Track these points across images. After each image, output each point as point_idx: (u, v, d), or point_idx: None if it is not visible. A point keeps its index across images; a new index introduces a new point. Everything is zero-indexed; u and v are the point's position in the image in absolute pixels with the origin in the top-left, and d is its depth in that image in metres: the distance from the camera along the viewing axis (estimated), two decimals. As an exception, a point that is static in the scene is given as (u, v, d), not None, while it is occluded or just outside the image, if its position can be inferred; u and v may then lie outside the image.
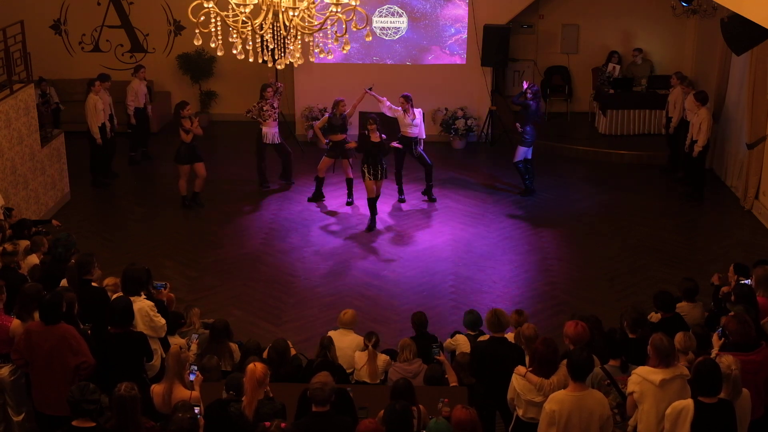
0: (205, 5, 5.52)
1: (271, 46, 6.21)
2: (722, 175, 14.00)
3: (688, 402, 5.72)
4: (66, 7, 16.67)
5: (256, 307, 10.24)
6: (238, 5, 5.76)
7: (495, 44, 15.31)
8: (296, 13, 5.79)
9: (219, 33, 5.70)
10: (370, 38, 6.08)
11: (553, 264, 11.35)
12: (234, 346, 7.62)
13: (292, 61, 6.24)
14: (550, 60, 16.99)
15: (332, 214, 12.89)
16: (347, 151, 12.83)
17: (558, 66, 16.97)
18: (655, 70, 16.35)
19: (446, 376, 7.16)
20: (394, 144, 12.69)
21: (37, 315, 6.92)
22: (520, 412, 6.50)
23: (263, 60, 6.29)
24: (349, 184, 13.07)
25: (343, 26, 5.84)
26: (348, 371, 7.53)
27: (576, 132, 16.20)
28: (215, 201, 13.11)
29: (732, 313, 6.74)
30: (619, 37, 16.64)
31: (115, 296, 7.45)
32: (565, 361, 6.20)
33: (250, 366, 6.17)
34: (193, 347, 7.72)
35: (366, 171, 11.99)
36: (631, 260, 11.40)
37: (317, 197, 13.14)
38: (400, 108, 12.87)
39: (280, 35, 6.08)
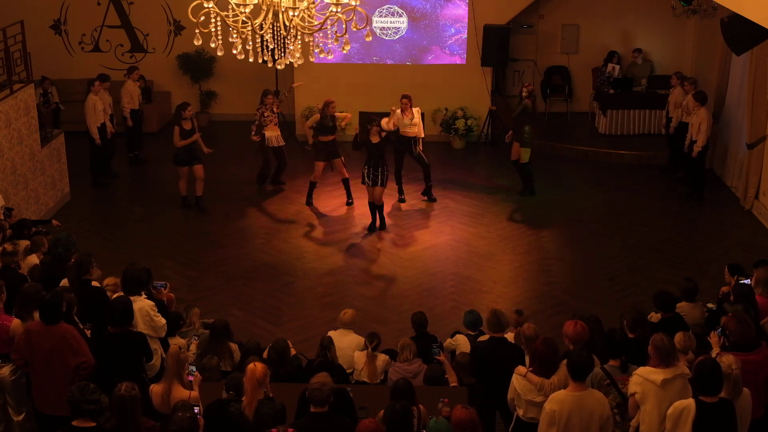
0: (205, 5, 5.52)
1: (271, 46, 6.21)
2: (722, 175, 14.00)
3: (690, 402, 5.72)
4: (66, 7, 16.67)
5: (256, 307, 10.24)
6: (238, 5, 5.76)
7: (495, 44, 15.31)
8: (296, 13, 5.79)
9: (219, 33, 5.70)
10: (370, 38, 6.08)
11: (553, 264, 11.35)
12: (234, 346, 7.62)
13: (292, 61, 6.24)
14: (550, 60, 16.99)
15: (332, 214, 12.89)
16: (338, 150, 12.81)
17: (558, 66, 16.97)
18: (655, 70, 16.36)
19: (446, 376, 7.16)
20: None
21: (36, 315, 6.92)
22: (520, 412, 6.50)
23: (263, 60, 6.29)
24: (346, 184, 13.06)
25: (343, 26, 5.84)
26: (348, 371, 7.53)
27: (576, 132, 16.19)
28: (215, 201, 13.10)
29: (731, 313, 6.74)
30: (619, 37, 16.65)
31: (115, 296, 7.46)
32: (565, 361, 6.20)
33: (250, 366, 6.17)
34: (193, 347, 7.72)
35: (366, 175, 11.90)
36: (631, 260, 11.39)
37: (310, 200, 13.13)
38: (397, 110, 12.85)
39: (280, 35, 6.08)
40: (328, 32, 6.00)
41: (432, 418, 5.94)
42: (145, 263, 8.48)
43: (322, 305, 10.25)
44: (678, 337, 6.67)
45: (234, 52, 5.99)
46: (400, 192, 13.30)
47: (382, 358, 7.53)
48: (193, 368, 6.86)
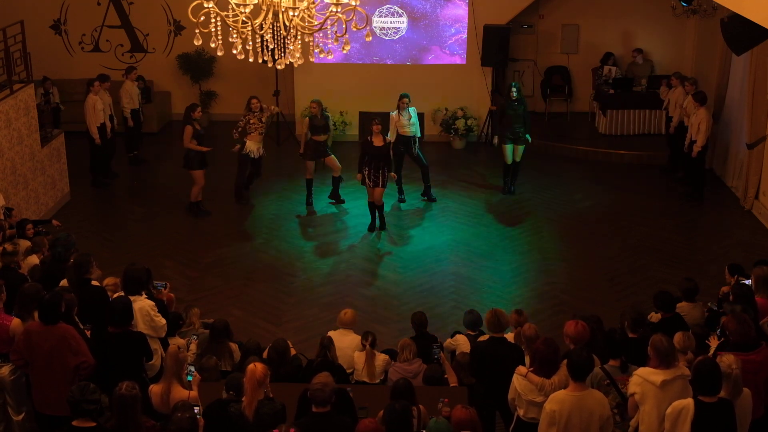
0: (205, 5, 5.52)
1: (271, 46, 6.21)
2: (722, 175, 14.00)
3: (689, 401, 5.72)
4: (66, 7, 16.67)
5: (256, 307, 10.24)
6: (238, 5, 5.75)
7: (495, 44, 15.31)
8: (296, 13, 5.79)
9: (219, 33, 5.69)
10: (370, 38, 6.07)
11: (553, 264, 11.35)
12: (234, 346, 7.62)
13: (292, 61, 6.24)
14: (550, 60, 16.99)
15: (332, 214, 12.89)
16: (326, 150, 12.78)
17: (558, 66, 16.97)
18: (655, 70, 16.36)
19: (446, 376, 7.16)
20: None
21: (36, 315, 6.92)
22: (521, 412, 6.50)
23: (263, 60, 6.29)
24: (336, 182, 13.06)
25: (343, 26, 5.83)
26: (348, 371, 7.53)
27: (576, 132, 16.19)
28: (215, 201, 13.10)
29: (731, 313, 6.74)
30: (619, 37, 16.65)
31: (115, 296, 7.46)
32: (565, 361, 6.20)
33: (250, 366, 6.17)
34: (193, 347, 7.72)
35: (366, 176, 11.88)
36: (631, 260, 11.40)
37: (309, 200, 13.12)
38: (394, 113, 12.87)
39: (280, 35, 6.08)
40: (328, 32, 5.99)
41: (432, 418, 5.94)
42: (145, 263, 8.48)
43: (322, 305, 10.25)
44: (677, 337, 6.68)
45: (234, 52, 5.99)
46: (400, 192, 13.30)
47: (382, 358, 7.53)
48: (192, 368, 6.86)
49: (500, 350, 7.16)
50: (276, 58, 6.28)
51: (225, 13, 5.71)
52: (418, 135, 13.14)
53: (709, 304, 8.00)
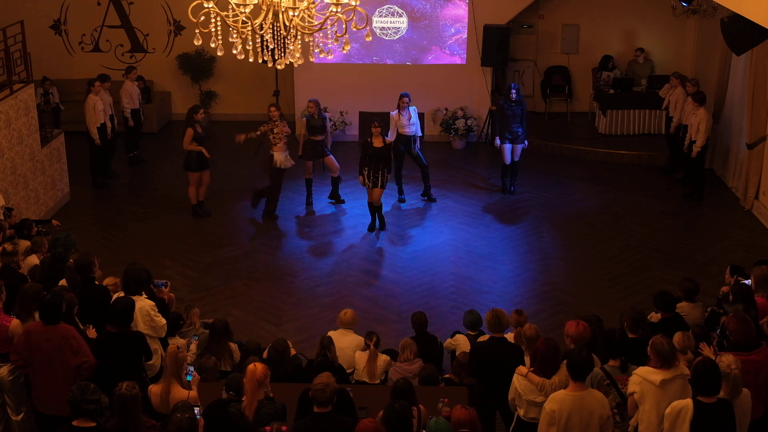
0: (205, 5, 5.52)
1: (271, 46, 6.21)
2: (722, 175, 14.00)
3: (688, 401, 5.72)
4: (66, 7, 16.67)
5: (256, 307, 10.24)
6: (238, 5, 5.75)
7: (495, 44, 15.31)
8: (296, 13, 5.79)
9: (219, 33, 5.69)
10: (370, 38, 6.07)
11: (553, 264, 11.35)
12: (234, 346, 7.62)
13: (292, 61, 6.24)
14: (550, 60, 16.99)
15: (332, 214, 12.89)
16: (325, 150, 12.79)
17: (558, 66, 16.97)
18: (655, 70, 16.36)
19: (445, 376, 7.17)
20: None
21: (37, 315, 6.92)
22: (521, 412, 6.51)
23: (263, 60, 6.29)
24: (335, 182, 13.06)
25: (343, 26, 5.83)
26: (348, 371, 7.53)
27: (576, 132, 16.19)
28: (215, 201, 13.09)
29: (732, 313, 6.74)
30: (619, 37, 16.65)
31: (115, 296, 7.46)
32: (565, 361, 6.20)
33: (251, 366, 6.17)
34: (193, 347, 7.72)
35: (366, 176, 11.83)
36: (631, 260, 11.39)
37: (309, 200, 13.11)
38: (394, 112, 12.89)
39: (280, 35, 6.08)
40: (328, 32, 5.99)
41: (432, 418, 5.94)
42: (145, 263, 8.48)
43: (322, 305, 10.25)
44: (677, 337, 6.68)
45: (234, 52, 5.99)
46: (400, 192, 13.30)
47: (382, 359, 7.53)
48: (191, 368, 6.86)
49: (500, 350, 7.16)
50: (276, 58, 6.28)
51: (225, 13, 5.71)
52: (419, 134, 13.14)
53: (709, 308, 7.97)
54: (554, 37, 16.86)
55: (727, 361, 5.74)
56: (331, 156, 12.92)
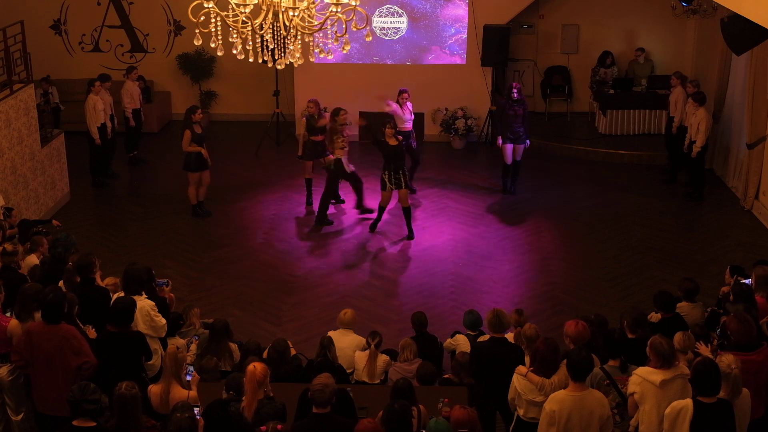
0: (205, 5, 5.52)
1: (271, 46, 6.21)
2: (722, 175, 14.00)
3: (687, 402, 5.72)
4: (66, 7, 16.67)
5: (256, 307, 10.24)
6: (238, 5, 5.76)
7: (495, 44, 15.31)
8: (296, 13, 5.79)
9: (219, 33, 5.70)
10: (370, 38, 6.08)
11: (553, 264, 11.35)
12: (234, 346, 7.62)
13: (292, 61, 6.25)
14: (550, 60, 16.99)
15: (331, 214, 12.88)
16: (324, 151, 12.80)
17: (558, 66, 16.97)
18: (655, 70, 16.36)
19: (445, 376, 7.16)
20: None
21: (36, 315, 6.92)
22: (521, 411, 6.51)
23: (263, 60, 6.29)
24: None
25: (343, 26, 5.84)
26: (348, 371, 7.53)
27: (576, 132, 16.19)
28: (215, 201, 13.09)
29: (733, 313, 6.73)
30: (620, 37, 16.65)
31: (115, 296, 7.46)
32: (565, 361, 6.20)
33: (250, 367, 6.17)
34: (193, 347, 7.72)
35: (387, 180, 11.66)
36: (631, 260, 11.39)
37: (309, 200, 13.11)
38: (395, 106, 12.97)
39: (280, 35, 6.08)
40: (328, 32, 6.00)
41: (432, 418, 5.94)
42: (145, 263, 8.48)
43: (322, 305, 10.25)
44: (677, 336, 6.67)
45: (234, 52, 5.99)
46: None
47: (382, 359, 7.53)
48: (191, 368, 6.86)
49: (500, 350, 7.16)
50: (276, 58, 6.28)
51: (225, 13, 5.71)
52: (410, 129, 13.26)
53: (709, 308, 7.96)
54: (554, 37, 16.86)
55: (727, 361, 5.74)
56: (331, 156, 12.92)
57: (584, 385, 6.00)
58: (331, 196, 12.63)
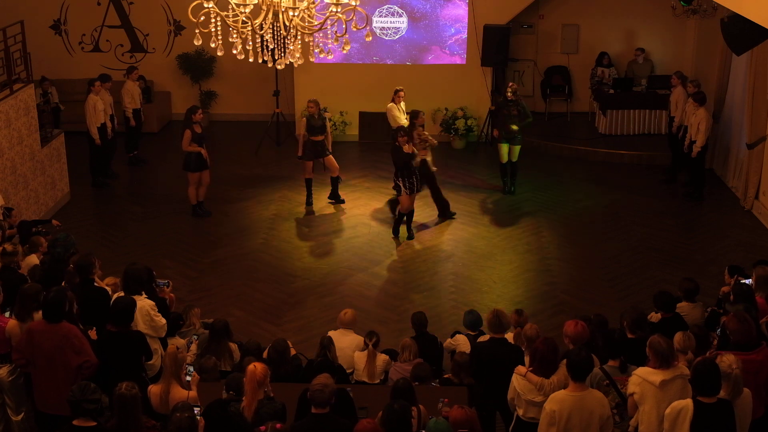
0: (205, 5, 5.52)
1: (271, 46, 6.22)
2: (722, 175, 14.00)
3: (688, 402, 5.72)
4: (66, 7, 16.67)
5: (256, 307, 10.24)
6: (238, 5, 5.76)
7: (495, 44, 15.31)
8: (296, 13, 5.79)
9: (219, 33, 5.70)
10: (370, 38, 6.08)
11: (553, 264, 11.35)
12: (234, 346, 7.62)
13: (292, 61, 6.25)
14: (550, 60, 16.99)
15: (332, 214, 12.89)
16: (325, 150, 12.79)
17: (558, 66, 16.97)
18: (655, 70, 16.36)
19: (446, 376, 7.15)
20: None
21: (36, 315, 6.92)
22: (520, 411, 6.51)
23: (263, 60, 6.30)
24: (335, 182, 13.06)
25: (343, 26, 5.84)
26: (348, 371, 7.53)
27: (576, 132, 16.19)
28: (215, 201, 13.09)
29: (732, 313, 6.74)
30: (620, 37, 16.65)
31: (116, 296, 7.46)
32: (565, 361, 6.20)
33: (250, 367, 6.17)
34: (193, 348, 7.72)
35: (402, 185, 11.62)
36: (632, 260, 11.39)
37: (309, 200, 13.11)
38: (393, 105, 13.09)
39: (280, 35, 6.08)
40: (328, 32, 6.00)
41: (432, 418, 5.94)
42: (145, 263, 8.48)
43: (322, 305, 10.25)
44: (677, 336, 6.67)
45: (234, 52, 6.00)
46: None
47: (382, 358, 7.53)
48: (191, 368, 6.86)
49: (500, 351, 7.16)
50: (276, 58, 6.28)
51: (225, 13, 5.71)
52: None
53: (709, 308, 7.96)
54: (554, 37, 16.86)
55: (728, 361, 5.73)
56: (331, 156, 12.93)
57: (584, 385, 6.00)
58: (438, 190, 12.62)
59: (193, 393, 6.44)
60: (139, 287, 7.49)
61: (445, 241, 11.98)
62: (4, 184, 11.13)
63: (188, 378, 6.79)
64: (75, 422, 5.45)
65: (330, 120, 13.81)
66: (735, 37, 10.58)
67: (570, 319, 7.00)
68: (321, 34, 6.17)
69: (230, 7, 5.78)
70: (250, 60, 6.11)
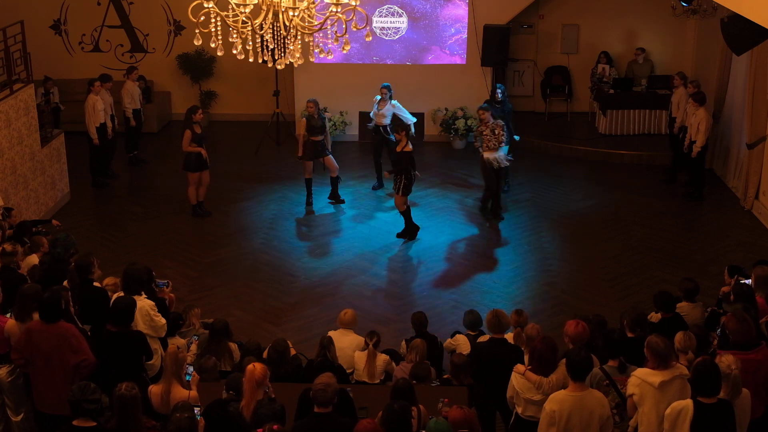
0: (205, 5, 5.52)
1: (271, 46, 6.21)
2: (722, 175, 14.00)
3: (688, 402, 5.72)
4: (66, 7, 16.67)
5: (257, 307, 10.24)
6: (238, 5, 5.76)
7: (495, 44, 15.30)
8: (296, 13, 5.79)
9: (219, 33, 5.70)
10: (370, 38, 6.08)
11: (553, 264, 11.35)
12: (234, 346, 7.62)
13: (292, 61, 6.25)
14: (550, 60, 16.99)
15: (331, 214, 12.89)
16: (324, 150, 12.79)
17: (558, 66, 16.97)
18: (655, 70, 16.36)
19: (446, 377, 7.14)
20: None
21: (35, 315, 6.92)
22: (519, 409, 6.52)
23: (263, 60, 6.30)
24: (334, 183, 13.07)
25: (343, 26, 5.84)
26: (348, 371, 7.53)
27: (576, 132, 16.19)
28: (215, 201, 13.09)
29: (731, 312, 6.74)
30: (620, 37, 16.66)
31: (115, 296, 7.46)
32: (564, 361, 6.20)
33: (249, 367, 6.16)
34: (193, 348, 7.72)
35: (399, 185, 11.57)
36: (632, 260, 11.39)
37: (309, 200, 13.11)
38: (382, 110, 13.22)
39: (280, 35, 6.08)
40: (328, 32, 6.00)
41: (432, 418, 5.94)
42: (145, 263, 8.48)
43: (322, 305, 10.25)
44: (678, 336, 6.67)
45: (234, 52, 5.99)
46: (380, 180, 13.60)
47: (382, 358, 7.53)
48: (191, 368, 6.86)
49: (500, 351, 7.16)
50: (276, 58, 6.28)
51: (225, 13, 5.71)
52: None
53: (709, 308, 7.96)
54: (554, 37, 16.87)
55: (727, 361, 5.74)
56: (331, 156, 12.93)
57: (584, 385, 6.00)
58: (491, 190, 12.61)
59: (193, 393, 6.44)
60: (139, 287, 7.49)
61: (445, 241, 11.97)
62: (4, 184, 11.13)
63: (188, 378, 6.78)
64: (75, 422, 5.45)
65: (330, 120, 13.83)
66: (735, 37, 10.58)
67: (570, 319, 7.01)
68: (321, 34, 6.17)
69: (230, 7, 5.78)
70: (250, 60, 6.11)
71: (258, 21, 5.80)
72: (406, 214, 11.86)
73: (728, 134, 13.81)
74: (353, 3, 5.73)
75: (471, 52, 15.73)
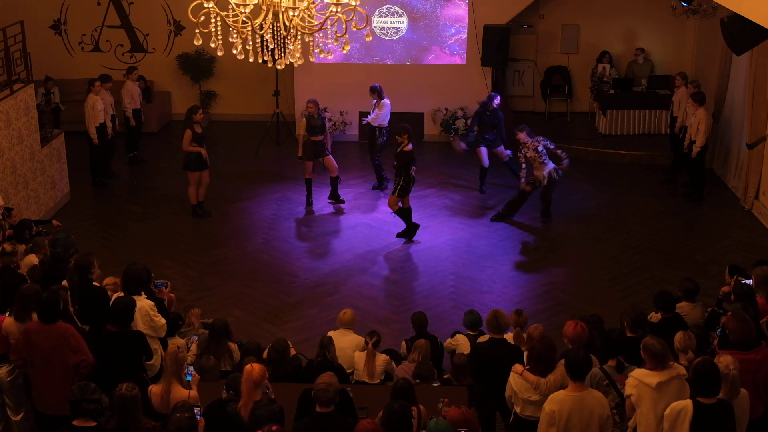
0: (205, 5, 5.52)
1: (271, 46, 6.22)
2: (722, 175, 14.00)
3: (687, 402, 5.72)
4: (66, 7, 16.67)
5: (257, 307, 10.24)
6: (238, 5, 5.76)
7: (495, 44, 15.31)
8: (296, 13, 5.80)
9: (219, 33, 5.70)
10: (370, 38, 6.08)
11: (553, 264, 11.35)
12: (233, 346, 7.62)
13: (292, 61, 6.25)
14: (550, 60, 17.00)
15: (331, 214, 12.89)
16: (324, 150, 12.79)
17: (558, 66, 16.97)
18: (655, 70, 16.36)
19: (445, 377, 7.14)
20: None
21: (35, 315, 6.92)
22: (517, 409, 6.52)
23: (263, 60, 6.30)
24: (334, 183, 13.06)
25: (343, 26, 5.84)
26: (348, 371, 7.53)
27: (576, 132, 16.19)
28: (215, 201, 13.09)
29: (731, 312, 6.73)
30: (620, 37, 16.66)
31: (115, 296, 7.46)
32: (563, 361, 6.20)
33: (247, 367, 6.16)
34: (193, 348, 7.72)
35: (398, 186, 11.56)
36: (632, 260, 11.39)
37: (309, 200, 13.11)
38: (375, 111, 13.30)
39: (280, 35, 6.09)
40: (328, 32, 6.00)
41: (432, 418, 5.94)
42: (145, 263, 8.47)
43: (322, 305, 10.25)
44: (678, 336, 6.67)
45: (234, 52, 6.00)
46: (379, 181, 13.66)
47: (381, 358, 7.53)
48: (191, 368, 6.86)
49: (500, 351, 7.16)
50: (276, 58, 6.28)
51: (225, 13, 5.72)
52: (384, 125, 13.46)
53: (709, 308, 7.96)
54: (554, 37, 16.87)
55: (725, 362, 5.74)
56: (331, 156, 12.93)
57: (584, 385, 6.00)
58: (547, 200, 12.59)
59: (193, 393, 6.44)
60: (139, 287, 7.49)
61: (445, 241, 11.97)
62: (4, 184, 11.13)
63: (188, 378, 6.78)
64: (75, 422, 5.45)
65: (330, 120, 13.83)
66: (735, 37, 10.58)
67: (569, 319, 7.01)
68: (321, 34, 6.17)
69: (230, 7, 5.78)
70: (250, 60, 6.11)
71: (258, 21, 5.80)
72: (404, 214, 11.87)
73: (728, 134, 13.81)
74: (353, 3, 5.73)
75: (471, 52, 15.73)
